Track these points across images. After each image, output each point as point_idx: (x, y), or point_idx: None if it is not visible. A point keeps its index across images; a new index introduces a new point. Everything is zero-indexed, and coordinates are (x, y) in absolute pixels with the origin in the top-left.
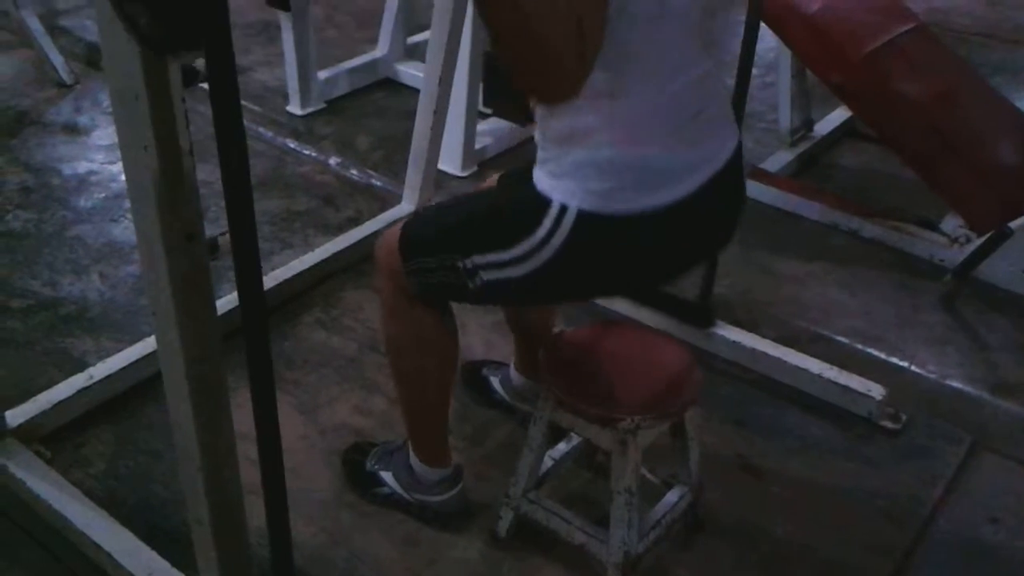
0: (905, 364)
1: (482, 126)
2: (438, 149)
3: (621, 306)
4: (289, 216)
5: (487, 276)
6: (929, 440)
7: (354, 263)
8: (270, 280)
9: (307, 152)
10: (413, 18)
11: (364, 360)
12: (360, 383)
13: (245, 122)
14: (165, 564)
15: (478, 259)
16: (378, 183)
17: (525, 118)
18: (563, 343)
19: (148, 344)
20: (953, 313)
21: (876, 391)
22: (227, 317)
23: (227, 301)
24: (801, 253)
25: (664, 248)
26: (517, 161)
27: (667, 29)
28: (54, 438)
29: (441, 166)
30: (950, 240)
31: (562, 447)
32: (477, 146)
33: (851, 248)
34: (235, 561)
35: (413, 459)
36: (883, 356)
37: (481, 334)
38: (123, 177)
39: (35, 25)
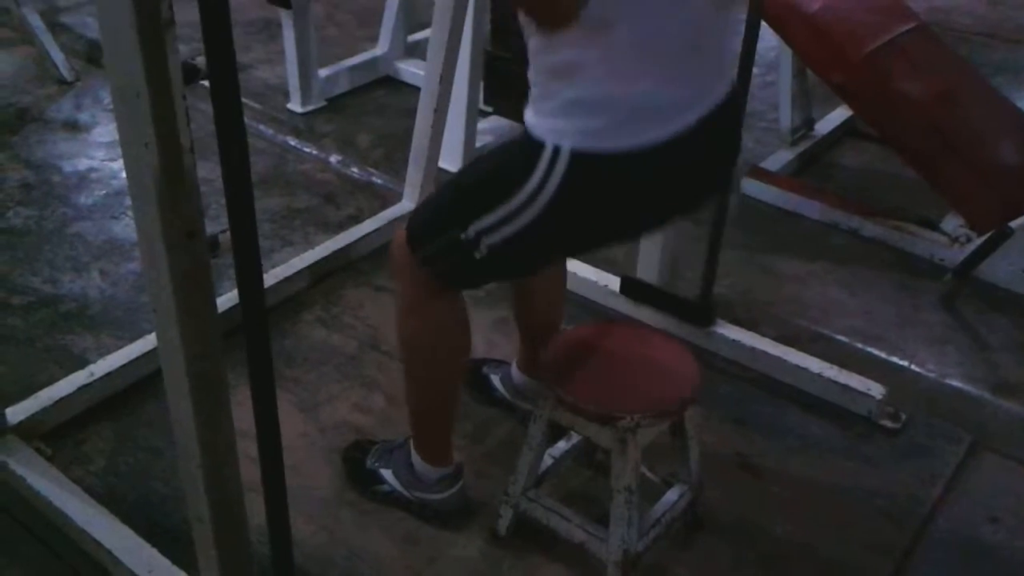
0: (905, 363)
1: (483, 124)
2: (439, 147)
3: (621, 305)
4: (289, 214)
5: (489, 240)
6: (929, 439)
7: (354, 261)
8: (270, 278)
9: (308, 150)
10: (414, 16)
11: (364, 358)
12: (360, 381)
13: (246, 120)
14: (165, 562)
15: (477, 225)
16: (379, 181)
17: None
18: (563, 342)
19: (148, 341)
20: (953, 312)
21: (876, 390)
22: (227, 315)
23: (227, 299)
24: (801, 252)
25: (659, 186)
26: None
27: None
28: (55, 435)
29: (442, 164)
30: (950, 239)
31: (562, 445)
32: (478, 144)
33: (851, 247)
34: (235, 559)
35: (415, 457)
36: (883, 355)
37: (482, 332)
38: (124, 174)
39: (36, 22)
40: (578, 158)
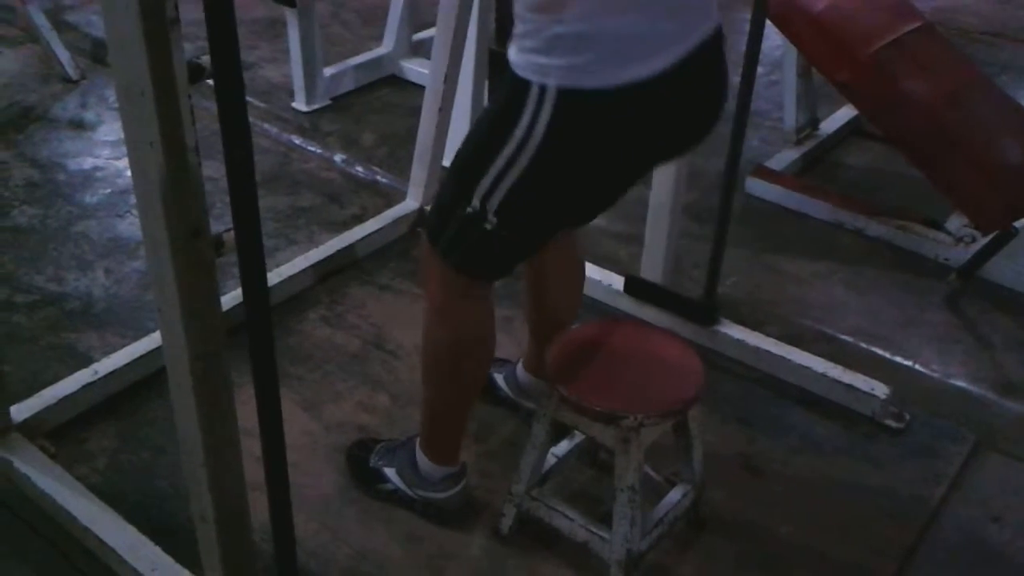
0: (909, 363)
1: None
2: (443, 146)
3: (625, 304)
4: (294, 212)
5: (493, 201)
6: (933, 439)
7: (359, 260)
8: (274, 276)
9: (312, 149)
10: (418, 15)
11: (368, 357)
12: (364, 379)
13: (250, 118)
14: (169, 560)
15: (479, 190)
16: (383, 180)
17: None
18: (567, 340)
19: (153, 340)
20: (958, 312)
21: (880, 390)
22: (231, 313)
23: (231, 297)
24: (806, 252)
25: (646, 123)
26: None
27: None
28: (59, 433)
29: (446, 163)
30: (955, 239)
31: (565, 445)
32: None
33: (856, 247)
34: (238, 557)
35: (420, 456)
36: (887, 355)
37: None
38: (128, 173)
39: (41, 20)
40: (564, 96)
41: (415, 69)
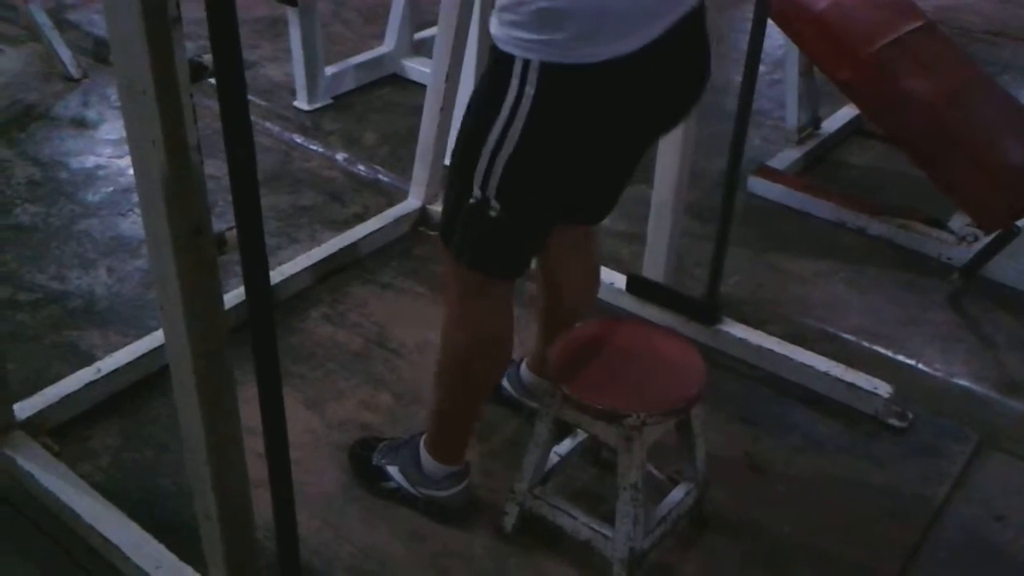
0: (912, 362)
1: None
2: (445, 145)
3: (628, 303)
4: (296, 211)
5: (492, 185)
6: (935, 438)
7: (361, 259)
8: (277, 275)
9: (314, 147)
10: (420, 14)
11: (370, 355)
12: (366, 378)
13: (252, 117)
14: (172, 557)
15: (477, 178)
16: (385, 179)
17: None
18: (570, 339)
19: (155, 338)
20: (960, 311)
21: (883, 389)
22: (234, 311)
23: (234, 295)
24: (808, 251)
25: (633, 96)
26: None
27: None
28: (62, 431)
29: (447, 162)
30: (958, 238)
31: (568, 443)
32: None
33: (858, 246)
34: (242, 554)
35: (424, 455)
36: (890, 354)
37: None
38: (131, 171)
39: (43, 19)
40: (548, 71)
41: (416, 68)
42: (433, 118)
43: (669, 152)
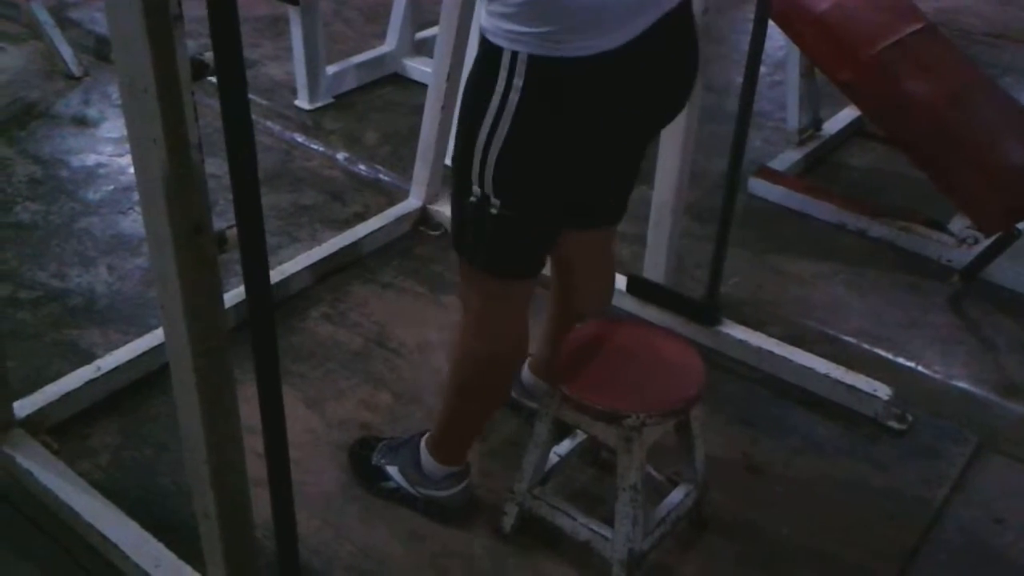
0: (912, 364)
1: None
2: (446, 144)
3: (628, 304)
4: (296, 210)
5: (488, 180)
6: (935, 441)
7: (361, 258)
8: (277, 274)
9: (315, 147)
10: (421, 13)
11: (371, 354)
12: (366, 377)
13: (253, 116)
14: (171, 556)
15: (474, 175)
16: (385, 178)
17: None
18: (569, 340)
19: (155, 336)
20: (960, 314)
21: (882, 391)
22: (234, 310)
23: (234, 294)
24: (808, 253)
25: (621, 90)
26: None
27: None
28: (61, 429)
29: (448, 161)
30: (958, 241)
31: (567, 444)
32: None
33: (859, 248)
34: (241, 553)
35: (424, 455)
36: (890, 356)
37: None
38: (131, 170)
39: (44, 17)
40: (536, 64)
41: (417, 67)
42: (434, 117)
43: (669, 153)
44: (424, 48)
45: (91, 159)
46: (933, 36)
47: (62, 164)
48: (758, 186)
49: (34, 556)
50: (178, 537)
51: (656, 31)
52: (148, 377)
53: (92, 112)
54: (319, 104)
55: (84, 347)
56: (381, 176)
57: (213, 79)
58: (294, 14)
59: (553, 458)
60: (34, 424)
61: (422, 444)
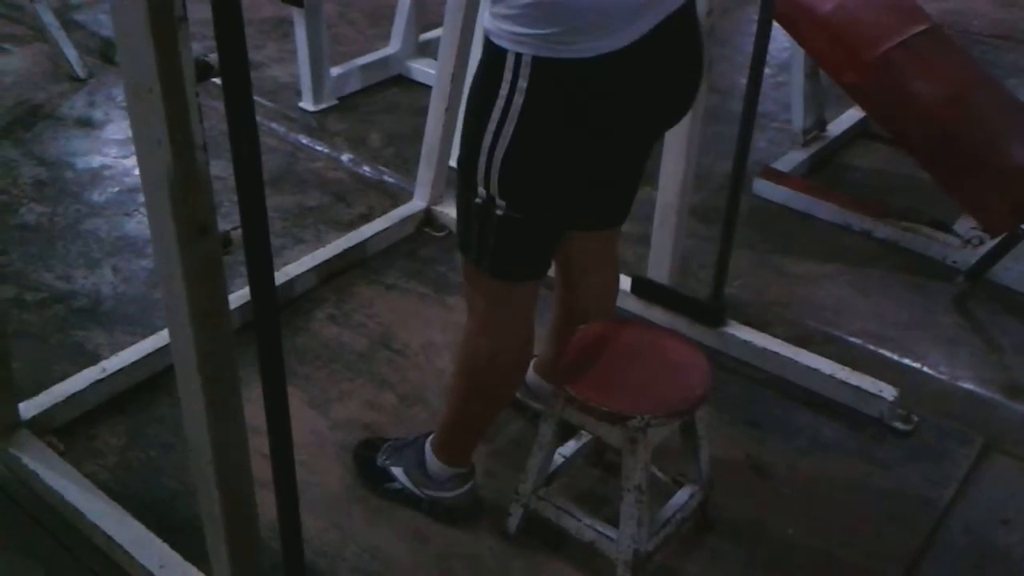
0: (917, 365)
1: None
2: (450, 146)
3: (632, 305)
4: (301, 212)
5: (493, 181)
6: (940, 441)
7: (366, 259)
8: (282, 275)
9: (319, 148)
10: (425, 15)
11: (375, 356)
12: (371, 378)
13: (258, 118)
14: (177, 557)
15: (479, 176)
16: (390, 180)
17: None
18: (574, 341)
19: (161, 338)
20: (965, 315)
21: (888, 392)
22: (239, 311)
23: (239, 296)
24: (813, 254)
25: (626, 91)
26: None
27: None
28: (67, 430)
29: (452, 163)
30: (963, 242)
31: (572, 445)
32: None
33: (864, 249)
34: (246, 554)
35: (429, 456)
36: (895, 357)
37: None
38: (136, 171)
39: (49, 19)
40: (540, 65)
41: (422, 69)
42: (438, 119)
43: (674, 154)
44: (428, 50)
45: (96, 161)
46: (938, 37)
47: (67, 166)
48: (763, 187)
49: (40, 556)
50: (183, 538)
51: (660, 32)
52: (153, 378)
53: (97, 114)
54: (323, 106)
55: (90, 348)
56: (385, 177)
57: (218, 80)
58: (298, 16)
59: (558, 459)
60: (40, 425)
61: (427, 445)
